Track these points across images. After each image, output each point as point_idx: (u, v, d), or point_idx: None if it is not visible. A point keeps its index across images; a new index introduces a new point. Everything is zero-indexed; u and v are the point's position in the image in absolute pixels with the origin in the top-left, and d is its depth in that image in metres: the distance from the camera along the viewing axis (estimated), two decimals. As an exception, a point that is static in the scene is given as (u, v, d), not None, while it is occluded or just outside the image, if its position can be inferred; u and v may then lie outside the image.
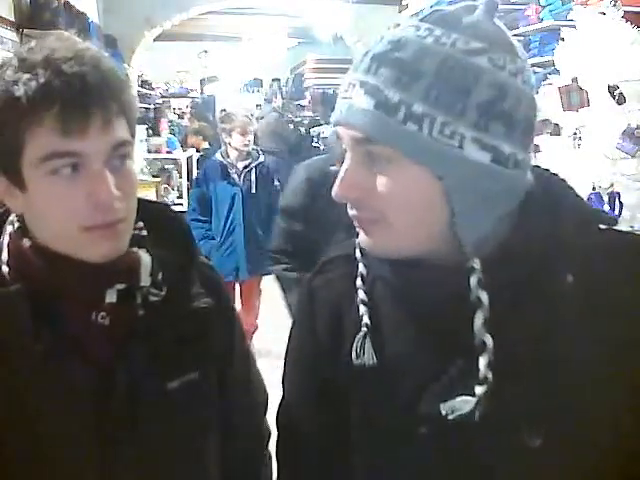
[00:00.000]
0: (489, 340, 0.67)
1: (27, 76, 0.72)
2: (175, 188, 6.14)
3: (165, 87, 12.51)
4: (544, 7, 4.31)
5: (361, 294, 0.78)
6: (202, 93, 14.76)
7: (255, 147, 3.96)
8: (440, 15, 0.70)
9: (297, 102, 10.13)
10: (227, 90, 14.81)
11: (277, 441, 0.93)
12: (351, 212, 0.73)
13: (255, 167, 3.81)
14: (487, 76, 0.66)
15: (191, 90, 13.74)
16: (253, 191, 3.82)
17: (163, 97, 11.70)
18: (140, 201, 0.84)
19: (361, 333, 0.76)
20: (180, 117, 10.87)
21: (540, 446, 0.67)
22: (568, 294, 0.69)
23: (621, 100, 2.56)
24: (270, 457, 1.08)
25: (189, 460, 0.87)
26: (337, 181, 0.72)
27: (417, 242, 0.71)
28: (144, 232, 0.87)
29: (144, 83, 9.82)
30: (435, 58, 0.66)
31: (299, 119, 8.86)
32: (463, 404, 0.67)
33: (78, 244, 0.77)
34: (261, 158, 3.87)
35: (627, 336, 0.68)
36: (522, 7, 4.76)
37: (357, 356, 0.75)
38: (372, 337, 0.75)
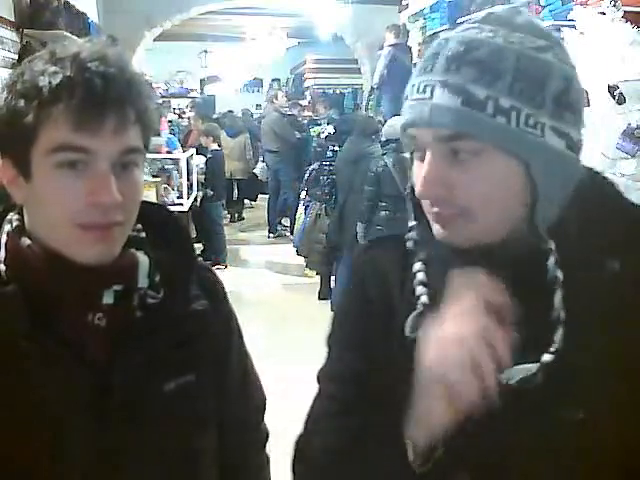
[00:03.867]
0: (563, 315, 0.72)
1: (53, 68, 0.74)
2: (175, 188, 6.13)
3: (165, 87, 12.51)
4: (544, 7, 4.31)
5: (421, 276, 0.82)
6: (202, 93, 14.76)
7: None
8: (495, 17, 0.76)
9: (297, 102, 10.13)
10: (227, 90, 14.82)
11: (315, 397, 0.93)
12: (432, 209, 0.76)
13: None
14: (556, 70, 0.73)
15: (191, 90, 13.74)
16: None
17: (163, 97, 11.69)
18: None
19: (417, 311, 0.79)
20: (180, 117, 10.86)
21: (581, 419, 0.72)
22: (615, 280, 0.73)
23: (621, 100, 2.56)
24: (268, 459, 1.08)
25: (186, 460, 0.87)
26: (420, 180, 0.75)
27: (496, 231, 0.75)
28: (142, 234, 0.87)
29: (144, 83, 9.78)
30: (511, 56, 0.71)
31: (299, 119, 8.87)
32: (523, 371, 0.71)
33: (71, 242, 0.77)
34: None
35: None
36: (522, 7, 4.76)
37: (411, 332, 0.78)
38: (427, 313, 0.78)
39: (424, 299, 0.80)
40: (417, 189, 0.75)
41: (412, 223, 0.85)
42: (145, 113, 0.79)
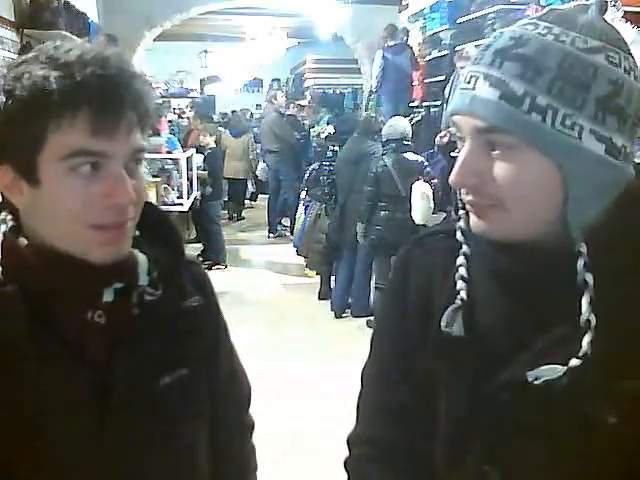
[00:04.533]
0: (594, 319, 0.72)
1: (58, 73, 0.73)
2: (175, 188, 6.13)
3: (165, 87, 12.50)
4: (544, 7, 4.31)
5: (462, 270, 0.83)
6: (202, 93, 14.76)
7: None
8: (557, 14, 0.76)
9: (298, 102, 10.14)
10: (227, 90, 14.82)
11: (358, 395, 0.99)
12: (467, 197, 0.78)
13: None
14: (604, 73, 0.71)
15: (191, 90, 13.74)
16: None
17: (163, 97, 11.69)
18: None
19: (454, 305, 0.81)
20: (180, 117, 10.86)
21: (615, 423, 0.72)
22: None
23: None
24: (254, 448, 1.10)
25: (183, 453, 0.89)
26: (455, 168, 0.76)
27: (529, 227, 0.75)
28: (137, 232, 0.87)
29: (144, 83, 9.77)
30: (557, 55, 0.71)
31: (299, 119, 8.87)
32: (550, 371, 0.72)
33: (85, 242, 0.77)
34: None
35: None
36: (522, 7, 4.77)
37: (447, 325, 0.80)
38: (465, 310, 0.80)
39: (463, 294, 0.81)
40: (451, 177, 0.76)
41: (462, 212, 0.86)
42: (147, 113, 0.80)
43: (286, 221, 8.33)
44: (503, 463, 0.78)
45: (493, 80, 0.72)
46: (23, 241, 0.80)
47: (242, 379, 1.07)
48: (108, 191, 0.75)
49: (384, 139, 4.69)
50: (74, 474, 0.79)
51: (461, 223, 0.85)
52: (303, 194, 6.35)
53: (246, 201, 10.06)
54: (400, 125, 4.66)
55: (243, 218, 9.48)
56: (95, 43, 0.80)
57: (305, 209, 6.14)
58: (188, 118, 10.13)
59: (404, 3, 7.71)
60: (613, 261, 0.74)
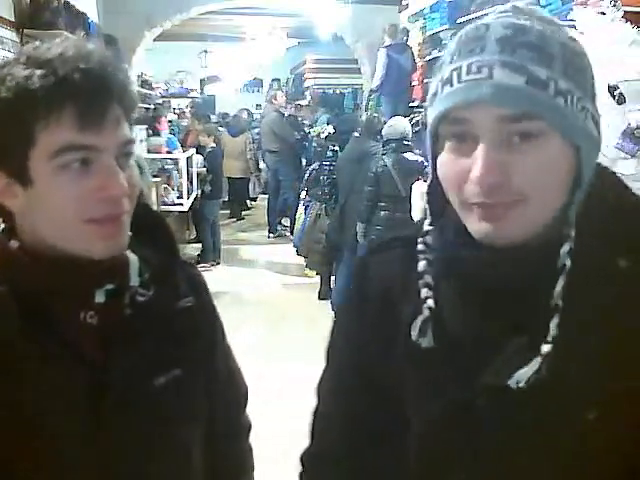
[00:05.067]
0: (560, 303, 0.71)
1: (41, 71, 0.73)
2: (175, 188, 6.14)
3: (165, 87, 12.51)
4: (544, 7, 4.31)
5: (427, 278, 0.79)
6: (202, 93, 14.77)
7: None
8: (520, 9, 0.75)
9: (297, 102, 10.15)
10: (227, 90, 14.82)
11: (314, 411, 0.96)
12: (486, 200, 0.70)
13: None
14: (588, 61, 0.75)
15: (191, 90, 13.75)
16: None
17: (163, 97, 11.69)
18: None
19: (423, 316, 0.77)
20: (180, 117, 10.86)
21: (595, 418, 0.71)
22: (621, 278, 0.73)
23: (621, 100, 2.55)
24: (251, 448, 1.10)
25: (179, 453, 0.89)
26: (477, 166, 0.70)
27: (541, 222, 0.73)
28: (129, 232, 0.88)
29: (144, 83, 9.82)
30: (556, 42, 0.72)
31: (299, 119, 8.88)
32: (528, 369, 0.70)
33: (83, 239, 0.78)
34: None
35: None
36: (522, 7, 4.76)
37: (418, 336, 0.77)
38: (433, 317, 0.77)
39: (430, 302, 0.77)
40: (475, 175, 0.70)
41: (427, 228, 0.81)
42: (132, 105, 0.81)
43: (286, 221, 8.33)
44: (486, 472, 0.77)
45: (514, 66, 0.68)
46: (14, 243, 0.80)
47: (239, 380, 1.07)
48: (101, 184, 0.75)
49: (384, 139, 4.69)
50: (73, 474, 0.80)
51: (427, 239, 0.81)
52: (303, 194, 6.35)
53: (248, 201, 10.06)
54: (400, 125, 4.66)
55: (243, 218, 9.48)
56: (77, 39, 0.80)
57: (305, 209, 6.14)
58: (188, 118, 10.15)
59: (404, 3, 7.71)
60: (586, 249, 0.73)
